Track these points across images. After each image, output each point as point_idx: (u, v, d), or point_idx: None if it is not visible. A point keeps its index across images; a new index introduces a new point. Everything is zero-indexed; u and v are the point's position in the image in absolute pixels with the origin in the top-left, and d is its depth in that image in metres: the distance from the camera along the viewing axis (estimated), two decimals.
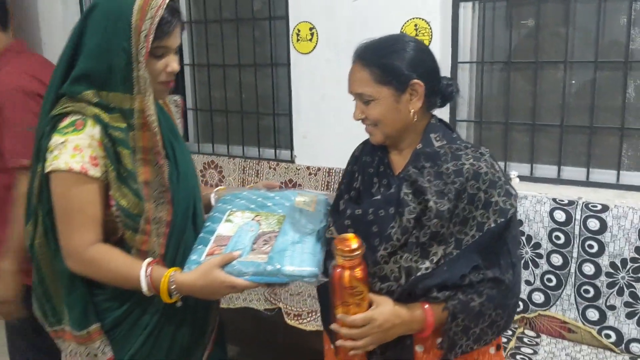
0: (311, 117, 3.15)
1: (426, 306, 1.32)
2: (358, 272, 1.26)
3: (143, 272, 1.30)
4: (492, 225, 1.30)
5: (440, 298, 1.30)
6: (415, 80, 1.35)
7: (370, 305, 1.30)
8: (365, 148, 1.55)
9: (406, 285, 1.31)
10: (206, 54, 3.63)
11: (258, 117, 3.50)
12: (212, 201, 1.66)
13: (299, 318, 2.43)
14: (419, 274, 1.30)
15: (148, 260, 1.33)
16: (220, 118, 3.71)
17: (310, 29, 3.01)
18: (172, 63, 1.35)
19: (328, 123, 3.08)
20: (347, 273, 1.26)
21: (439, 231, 1.31)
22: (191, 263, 1.36)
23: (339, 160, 2.99)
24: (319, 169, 3.08)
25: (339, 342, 1.32)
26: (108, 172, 1.30)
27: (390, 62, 1.35)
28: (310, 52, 3.05)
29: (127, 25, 1.26)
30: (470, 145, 1.42)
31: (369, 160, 1.50)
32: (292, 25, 3.08)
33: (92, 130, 1.29)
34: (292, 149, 3.28)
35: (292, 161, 3.28)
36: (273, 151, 3.45)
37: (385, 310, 1.29)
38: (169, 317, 1.43)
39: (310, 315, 2.43)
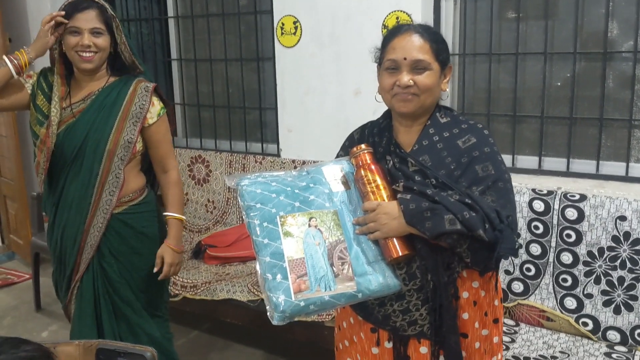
0: (296, 111, 3.16)
1: None
2: (365, 164, 1.47)
3: (5, 58, 1.88)
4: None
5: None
6: (450, 65, 1.53)
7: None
8: (368, 131, 1.62)
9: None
10: (193, 49, 3.65)
11: (245, 111, 3.52)
12: (228, 182, 1.56)
13: None
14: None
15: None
16: (207, 113, 3.73)
17: (294, 22, 3.03)
18: (83, 39, 1.87)
19: (312, 116, 3.10)
20: (357, 167, 1.48)
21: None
22: (286, 305, 1.33)
23: (323, 153, 3.00)
24: (303, 162, 3.10)
25: (357, 230, 1.47)
26: (32, 96, 1.98)
27: (444, 43, 1.51)
28: (294, 45, 3.06)
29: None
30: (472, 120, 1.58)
31: (377, 140, 1.57)
32: (276, 19, 3.10)
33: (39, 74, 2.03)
34: (278, 142, 3.30)
35: (278, 155, 3.30)
36: (260, 145, 3.47)
37: (393, 202, 1.43)
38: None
39: None
